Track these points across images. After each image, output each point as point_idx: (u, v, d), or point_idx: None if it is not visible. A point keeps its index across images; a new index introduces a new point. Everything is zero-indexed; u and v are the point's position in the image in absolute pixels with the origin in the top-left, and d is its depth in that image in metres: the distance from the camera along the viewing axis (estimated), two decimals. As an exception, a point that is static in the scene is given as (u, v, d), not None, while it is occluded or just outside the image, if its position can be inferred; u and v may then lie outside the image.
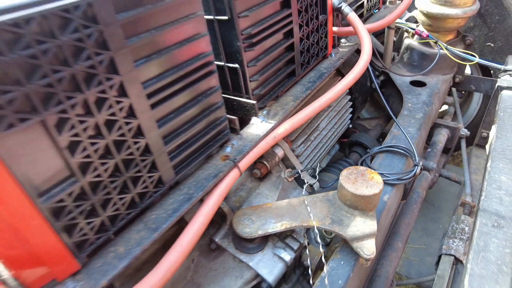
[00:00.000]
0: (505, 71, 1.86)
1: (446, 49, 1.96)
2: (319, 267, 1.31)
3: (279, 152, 1.41)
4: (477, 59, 1.87)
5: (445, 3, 1.90)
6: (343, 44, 1.72)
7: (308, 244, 1.26)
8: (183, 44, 0.86)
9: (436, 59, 1.97)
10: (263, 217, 1.19)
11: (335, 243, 1.54)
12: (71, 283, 0.74)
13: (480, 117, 2.50)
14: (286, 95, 1.34)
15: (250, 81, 1.15)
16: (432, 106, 1.86)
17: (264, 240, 1.23)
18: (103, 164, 0.73)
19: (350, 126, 2.04)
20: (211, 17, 1.07)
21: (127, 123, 0.75)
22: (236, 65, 1.12)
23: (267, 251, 1.22)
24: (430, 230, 2.57)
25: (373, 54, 1.84)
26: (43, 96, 0.61)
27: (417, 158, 1.46)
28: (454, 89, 2.39)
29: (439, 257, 1.59)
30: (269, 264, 1.19)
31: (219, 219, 1.27)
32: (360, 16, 1.97)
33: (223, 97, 1.07)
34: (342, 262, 1.16)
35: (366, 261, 1.10)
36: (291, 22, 1.27)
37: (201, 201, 0.98)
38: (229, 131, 1.11)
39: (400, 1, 2.20)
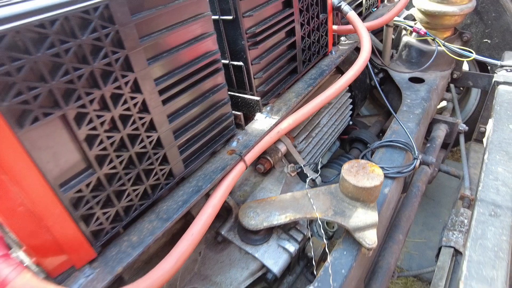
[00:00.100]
0: (502, 66, 1.90)
1: (444, 46, 2.00)
2: (322, 258, 1.35)
3: (282, 148, 1.45)
4: (474, 55, 1.91)
5: (442, 1, 1.94)
6: (343, 42, 1.76)
7: (312, 236, 1.30)
8: (192, 43, 0.90)
9: (434, 56, 2.02)
10: (268, 210, 1.23)
11: (337, 238, 1.58)
12: (88, 270, 0.78)
13: (478, 112, 2.54)
14: (289, 91, 1.38)
15: (254, 78, 1.20)
16: (430, 101, 1.90)
17: (268, 232, 1.27)
18: (118, 156, 0.77)
19: (350, 123, 2.08)
20: (216, 17, 1.11)
21: (140, 118, 0.79)
22: (241, 63, 1.17)
23: (272, 242, 1.26)
24: (431, 225, 2.61)
25: (372, 51, 1.88)
26: (64, 92, 0.65)
27: (416, 152, 1.50)
28: (452, 85, 2.43)
29: (439, 249, 1.63)
30: (274, 255, 1.22)
31: (225, 213, 1.31)
32: (359, 14, 2.00)
33: (228, 94, 1.11)
34: (345, 252, 1.20)
35: (368, 251, 1.14)
36: (293, 21, 1.31)
37: (207, 196, 1.02)
38: (235, 127, 1.15)
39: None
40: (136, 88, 0.77)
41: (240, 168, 1.05)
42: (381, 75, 2.25)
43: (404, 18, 2.38)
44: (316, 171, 1.58)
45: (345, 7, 1.55)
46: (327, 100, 1.31)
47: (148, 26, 0.77)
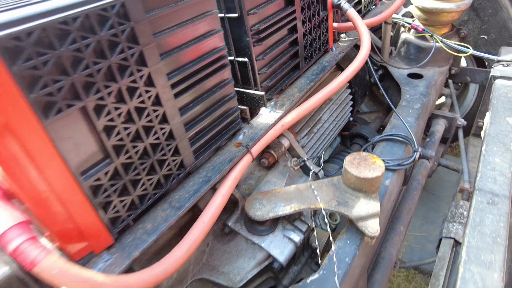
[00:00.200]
0: (499, 61, 1.94)
1: (441, 42, 2.05)
2: (326, 249, 1.39)
3: (285, 143, 1.49)
4: (471, 51, 1.96)
5: (439, -2, 1.99)
6: (343, 39, 1.81)
7: (316, 226, 1.34)
8: (200, 39, 0.94)
9: (432, 52, 2.06)
10: (273, 201, 1.27)
11: (339, 232, 1.62)
12: (106, 256, 0.82)
13: (476, 108, 2.58)
14: (292, 87, 1.42)
15: (259, 73, 1.24)
16: (429, 96, 1.94)
17: (274, 223, 1.31)
18: (134, 147, 0.81)
19: (351, 119, 2.13)
20: (221, 15, 1.15)
21: (154, 111, 0.83)
22: (246, 59, 1.21)
23: (277, 233, 1.30)
24: (431, 219, 2.65)
25: (372, 48, 1.93)
26: (84, 85, 0.69)
27: (416, 145, 1.54)
28: (450, 81, 2.47)
29: (440, 240, 1.67)
30: (280, 245, 1.26)
31: (231, 205, 1.35)
32: (358, 12, 2.05)
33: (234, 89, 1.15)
34: (348, 242, 1.23)
35: (370, 239, 1.18)
36: (295, 18, 1.35)
37: (214, 189, 1.06)
38: (241, 120, 1.19)
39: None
40: (150, 82, 0.81)
41: (247, 159, 1.09)
42: (380, 71, 2.29)
43: (402, 16, 2.42)
44: (318, 165, 1.63)
45: (345, 4, 1.59)
46: (329, 94, 1.35)
47: (160, 23, 0.82)
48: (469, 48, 1.97)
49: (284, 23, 1.31)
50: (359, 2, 2.08)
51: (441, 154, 2.29)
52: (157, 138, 0.86)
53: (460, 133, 2.28)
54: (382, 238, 1.59)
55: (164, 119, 0.87)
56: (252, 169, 1.48)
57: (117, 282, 0.72)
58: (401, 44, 2.30)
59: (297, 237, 1.27)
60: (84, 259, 0.79)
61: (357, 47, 2.01)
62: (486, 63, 2.51)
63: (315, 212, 1.40)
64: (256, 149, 1.13)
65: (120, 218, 0.84)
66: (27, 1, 0.68)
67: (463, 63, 2.63)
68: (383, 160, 1.45)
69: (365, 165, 1.24)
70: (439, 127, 2.12)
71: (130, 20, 0.73)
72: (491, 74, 1.88)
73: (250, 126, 1.21)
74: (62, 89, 0.65)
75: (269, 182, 1.47)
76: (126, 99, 0.76)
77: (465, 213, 1.74)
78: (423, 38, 2.19)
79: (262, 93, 1.25)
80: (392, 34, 2.38)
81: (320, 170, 1.57)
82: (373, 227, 1.17)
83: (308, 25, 1.45)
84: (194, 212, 1.20)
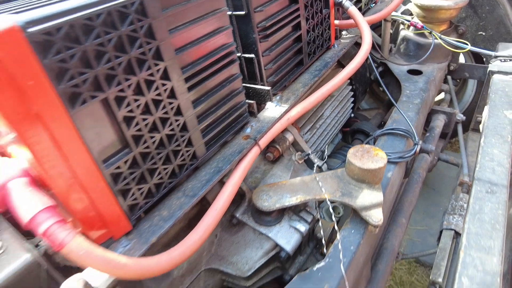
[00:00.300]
0: (496, 57, 1.99)
1: (440, 38, 2.09)
2: (331, 239, 1.43)
3: (290, 137, 1.53)
4: (469, 47, 2.00)
5: (438, -5, 2.04)
6: (344, 36, 1.86)
7: (321, 217, 1.38)
8: (211, 35, 0.99)
9: (431, 48, 2.10)
10: (280, 193, 1.31)
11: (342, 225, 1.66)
12: (125, 241, 0.86)
13: (475, 103, 2.63)
14: (296, 82, 1.47)
15: (265, 69, 1.28)
16: (428, 92, 1.99)
17: (280, 214, 1.35)
18: (151, 137, 0.86)
19: (352, 115, 2.17)
20: (229, 12, 1.20)
21: (170, 103, 0.88)
22: (252, 55, 1.26)
23: (284, 223, 1.34)
24: (431, 213, 2.69)
25: (372, 46, 1.97)
26: (106, 77, 0.74)
27: (416, 138, 1.58)
28: (449, 77, 2.52)
29: (440, 232, 1.71)
30: (287, 235, 1.30)
31: (238, 198, 1.39)
32: (358, 10, 2.09)
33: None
34: (353, 231, 1.28)
35: (374, 228, 1.22)
36: (298, 15, 1.40)
37: (222, 183, 1.10)
38: (248, 114, 1.24)
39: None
40: (165, 75, 0.85)
41: (255, 151, 1.14)
42: (381, 68, 2.33)
43: (402, 13, 2.47)
44: (322, 158, 1.67)
45: (346, 2, 1.64)
46: (333, 89, 1.40)
47: (175, 20, 0.86)
48: (467, 44, 2.01)
49: (289, 20, 1.36)
50: (359, 0, 2.13)
51: (441, 149, 2.33)
52: (172, 130, 0.91)
53: (460, 128, 2.32)
54: (385, 230, 1.63)
55: (178, 112, 0.92)
56: (257, 163, 1.52)
57: (139, 264, 0.76)
58: (401, 41, 2.35)
59: (303, 227, 1.31)
60: (104, 245, 0.84)
61: (357, 45, 2.06)
62: (484, 59, 2.55)
63: (319, 205, 1.45)
64: (264, 141, 1.18)
65: (138, 205, 0.88)
66: (49, 0, 0.72)
67: (462, 59, 2.68)
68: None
69: (368, 157, 1.28)
70: (439, 122, 2.17)
71: (148, 16, 0.78)
72: (489, 69, 1.92)
73: (257, 120, 1.26)
74: (86, 81, 0.69)
75: (274, 176, 1.51)
76: (144, 91, 0.81)
77: (465, 205, 1.78)
78: (422, 35, 2.23)
79: (268, 88, 1.29)
80: (391, 31, 2.43)
81: (323, 163, 1.61)
82: (376, 216, 1.21)
83: (311, 22, 1.50)
84: (202, 205, 1.24)
